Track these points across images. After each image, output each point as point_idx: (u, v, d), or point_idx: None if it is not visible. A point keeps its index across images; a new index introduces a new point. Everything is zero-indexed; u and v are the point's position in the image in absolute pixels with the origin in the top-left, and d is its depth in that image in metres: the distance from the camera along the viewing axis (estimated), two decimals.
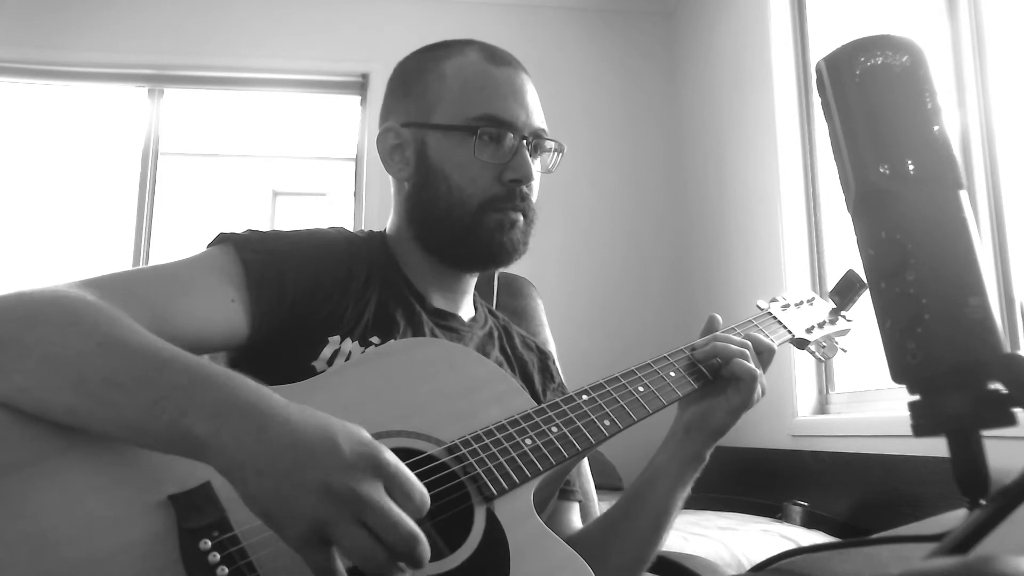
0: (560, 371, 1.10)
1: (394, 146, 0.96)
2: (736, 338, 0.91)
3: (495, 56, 0.95)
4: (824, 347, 1.03)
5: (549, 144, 0.96)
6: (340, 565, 0.54)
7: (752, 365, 0.86)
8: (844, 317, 1.06)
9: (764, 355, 0.91)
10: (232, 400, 0.57)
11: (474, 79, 0.93)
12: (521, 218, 0.93)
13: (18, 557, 0.53)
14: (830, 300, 1.06)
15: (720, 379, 0.88)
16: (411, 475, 0.56)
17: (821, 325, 1.03)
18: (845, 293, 1.03)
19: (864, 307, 0.99)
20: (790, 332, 0.99)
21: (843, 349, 1.06)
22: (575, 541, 0.98)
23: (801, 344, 1.01)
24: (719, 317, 0.96)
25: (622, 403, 0.81)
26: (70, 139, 4.41)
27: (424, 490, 0.56)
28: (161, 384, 0.58)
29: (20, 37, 3.14)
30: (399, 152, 0.96)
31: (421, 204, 0.94)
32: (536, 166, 0.94)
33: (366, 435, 0.57)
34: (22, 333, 0.62)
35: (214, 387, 0.58)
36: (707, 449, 0.90)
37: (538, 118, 0.94)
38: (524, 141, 0.92)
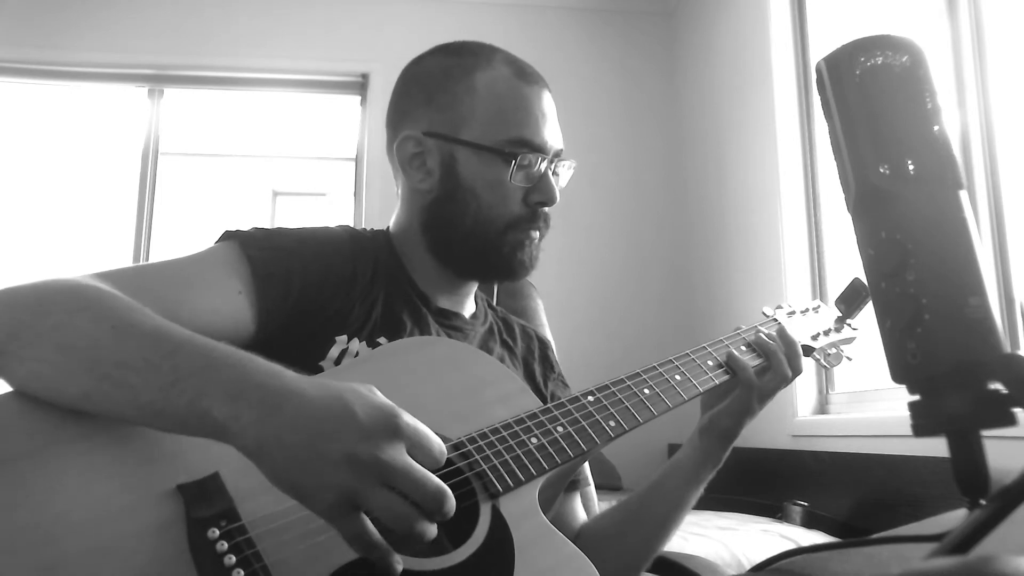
0: (559, 363, 1.11)
1: (414, 154, 0.94)
2: (770, 343, 0.93)
3: (525, 73, 0.95)
4: (829, 355, 1.04)
5: (565, 163, 0.97)
6: (374, 529, 0.55)
7: (752, 374, 0.89)
8: (850, 325, 1.06)
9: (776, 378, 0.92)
10: (248, 379, 0.58)
11: (508, 98, 0.92)
12: (538, 235, 0.95)
13: (28, 543, 0.54)
14: (836, 308, 1.06)
15: (733, 380, 0.90)
16: (427, 431, 0.58)
17: (827, 333, 1.03)
18: (851, 301, 1.03)
19: (869, 314, 0.99)
20: (785, 357, 0.99)
21: (848, 357, 1.05)
22: (589, 528, 1.01)
23: (806, 351, 1.01)
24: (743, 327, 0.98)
25: (627, 404, 0.82)
26: (70, 139, 4.41)
27: (441, 443, 0.59)
28: (177, 366, 0.59)
29: (20, 37, 3.14)
30: (419, 160, 0.94)
31: (443, 217, 0.94)
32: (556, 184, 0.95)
33: (380, 397, 0.59)
34: (35, 321, 0.63)
35: (229, 367, 0.59)
36: (722, 452, 0.94)
37: (559, 139, 0.95)
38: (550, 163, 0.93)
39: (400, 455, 0.55)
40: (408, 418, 0.58)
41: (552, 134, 0.94)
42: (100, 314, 0.64)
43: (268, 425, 0.55)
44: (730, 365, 0.90)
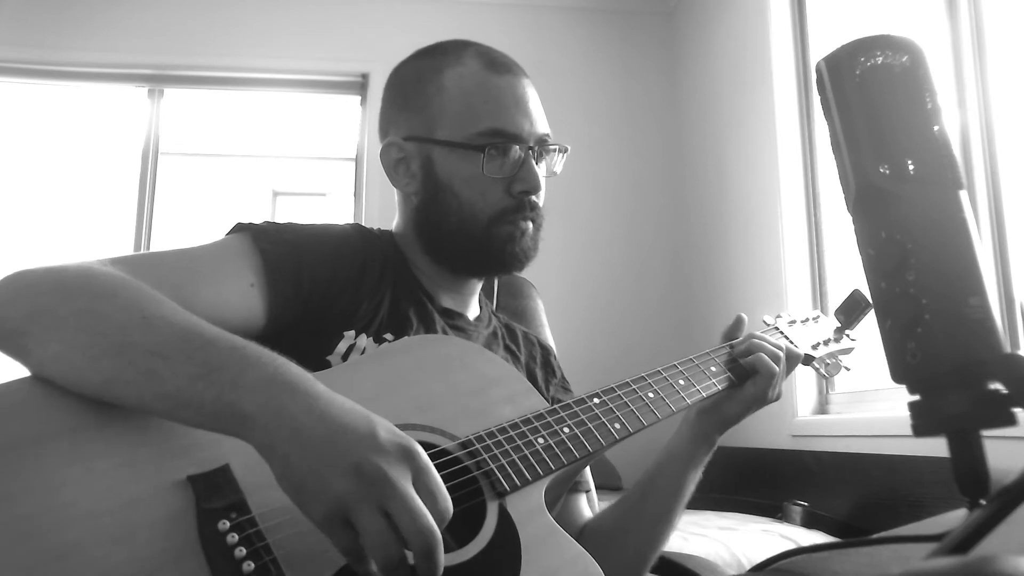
0: (561, 367, 1.11)
1: (398, 160, 0.95)
2: (771, 339, 0.95)
3: (495, 63, 0.94)
4: (828, 364, 1.05)
5: (553, 147, 0.96)
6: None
7: (772, 363, 0.90)
8: (848, 336, 1.08)
9: (790, 361, 0.95)
10: (278, 377, 0.58)
11: (476, 91, 0.91)
12: (531, 225, 0.93)
13: (41, 530, 0.54)
14: (835, 319, 1.07)
15: (735, 387, 0.91)
16: (440, 479, 0.57)
17: (826, 343, 1.05)
18: (850, 312, 1.04)
19: (868, 323, 1.01)
20: (796, 347, 1.01)
21: (846, 367, 1.07)
22: (593, 525, 1.01)
23: (806, 360, 1.03)
24: (745, 316, 0.99)
25: (632, 407, 0.82)
26: (70, 139, 4.41)
27: (449, 498, 0.57)
28: (208, 359, 0.59)
29: (20, 37, 3.14)
30: (404, 166, 0.95)
31: (431, 219, 0.94)
32: (541, 171, 0.94)
33: (402, 433, 0.58)
34: (58, 304, 0.63)
35: (261, 365, 0.59)
36: (717, 433, 0.94)
37: (541, 124, 0.94)
38: (530, 150, 0.92)
39: (404, 479, 0.54)
40: (423, 453, 0.57)
41: (529, 120, 0.92)
42: (130, 302, 0.64)
43: (292, 423, 0.56)
44: (744, 359, 0.91)
